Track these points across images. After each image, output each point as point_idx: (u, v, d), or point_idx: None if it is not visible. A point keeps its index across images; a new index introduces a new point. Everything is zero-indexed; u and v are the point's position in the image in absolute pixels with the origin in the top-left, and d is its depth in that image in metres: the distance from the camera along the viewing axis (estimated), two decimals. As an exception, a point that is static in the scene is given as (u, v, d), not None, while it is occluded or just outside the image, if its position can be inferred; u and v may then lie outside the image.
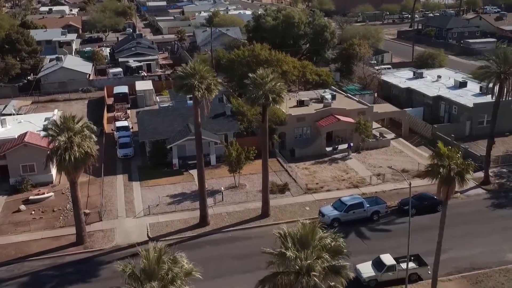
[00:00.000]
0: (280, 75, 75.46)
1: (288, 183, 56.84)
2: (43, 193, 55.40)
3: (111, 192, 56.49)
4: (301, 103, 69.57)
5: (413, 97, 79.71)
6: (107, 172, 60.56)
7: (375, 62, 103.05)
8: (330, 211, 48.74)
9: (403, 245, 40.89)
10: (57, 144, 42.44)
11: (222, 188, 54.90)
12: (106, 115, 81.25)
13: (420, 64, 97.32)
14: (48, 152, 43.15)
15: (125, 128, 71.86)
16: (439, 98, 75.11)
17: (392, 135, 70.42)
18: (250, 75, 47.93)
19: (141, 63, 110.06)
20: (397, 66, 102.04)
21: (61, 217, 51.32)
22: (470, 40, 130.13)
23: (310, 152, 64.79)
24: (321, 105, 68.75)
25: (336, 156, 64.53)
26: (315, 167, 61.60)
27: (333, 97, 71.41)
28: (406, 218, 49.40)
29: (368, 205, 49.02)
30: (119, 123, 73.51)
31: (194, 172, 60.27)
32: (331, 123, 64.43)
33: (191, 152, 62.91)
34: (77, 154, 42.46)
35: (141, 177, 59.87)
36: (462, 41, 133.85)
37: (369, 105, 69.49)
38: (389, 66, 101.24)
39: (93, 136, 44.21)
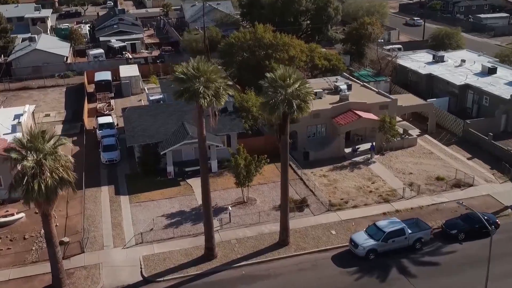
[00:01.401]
0: (287, 61, 66.83)
1: (307, 197, 47.92)
2: (12, 214, 45.82)
3: (94, 210, 47.04)
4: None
5: (434, 85, 70.68)
6: (89, 183, 50.96)
7: (382, 40, 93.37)
8: (364, 240, 39.92)
9: (457, 283, 32.86)
10: (22, 170, 32.84)
11: (230, 208, 45.75)
12: (86, 106, 71.08)
13: (435, 45, 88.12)
14: (12, 180, 33.41)
15: (109, 126, 61.95)
16: (466, 87, 66.21)
17: (417, 131, 61.60)
18: (268, 75, 38.36)
19: (125, 43, 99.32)
20: (408, 46, 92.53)
21: (33, 248, 41.80)
22: (481, 15, 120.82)
23: (327, 154, 55.80)
24: (336, 97, 59.55)
25: (356, 159, 55.66)
26: (334, 174, 52.65)
27: (349, 87, 62.07)
28: (454, 245, 41.37)
29: (410, 231, 40.34)
30: (102, 119, 63.41)
31: (193, 182, 51.14)
32: (351, 121, 55.29)
33: (188, 156, 53.88)
34: (49, 181, 32.96)
35: (130, 189, 50.39)
36: (470, 16, 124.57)
37: (392, 97, 60.35)
38: (400, 46, 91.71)
39: (70, 160, 34.54)
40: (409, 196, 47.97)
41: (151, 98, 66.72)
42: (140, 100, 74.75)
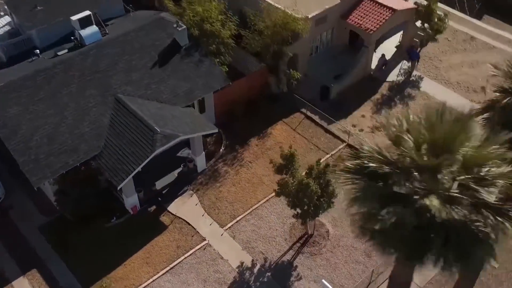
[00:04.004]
0: None
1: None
2: None
3: None
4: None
5: None
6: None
7: None
8: None
9: None
10: None
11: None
12: None
13: None
14: None
15: None
16: None
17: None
18: None
19: None
20: None
21: None
22: None
23: (349, 81, 34.94)
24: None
25: (391, 79, 35.82)
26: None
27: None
28: None
29: None
30: None
31: (180, 208, 27.66)
32: (383, 21, 33.89)
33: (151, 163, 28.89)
34: None
35: (78, 270, 25.46)
36: None
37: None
38: None
39: None
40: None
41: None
42: None
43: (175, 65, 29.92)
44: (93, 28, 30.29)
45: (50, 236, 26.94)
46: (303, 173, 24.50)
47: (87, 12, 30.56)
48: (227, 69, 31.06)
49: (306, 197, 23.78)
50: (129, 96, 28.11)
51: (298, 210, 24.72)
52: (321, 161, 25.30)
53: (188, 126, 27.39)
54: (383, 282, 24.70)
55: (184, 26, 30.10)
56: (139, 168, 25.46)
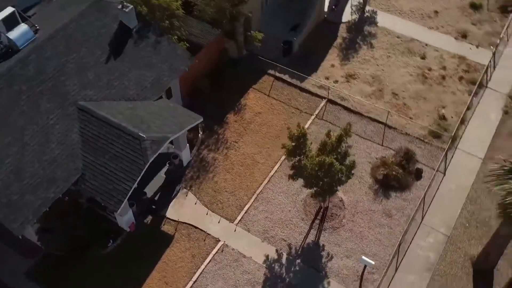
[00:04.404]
0: None
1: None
2: None
3: None
4: None
5: None
6: None
7: None
8: None
9: None
10: None
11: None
12: None
13: None
14: None
15: None
16: None
17: None
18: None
19: None
20: None
21: None
22: None
23: (307, 30, 32.62)
24: None
25: (346, 19, 33.95)
26: (353, 65, 31.23)
27: None
28: None
29: None
30: None
31: (178, 212, 25.00)
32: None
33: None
34: None
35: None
36: None
37: None
38: None
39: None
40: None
41: None
42: None
43: (131, 52, 25.92)
44: (23, 27, 25.02)
45: (41, 279, 23.33)
46: (314, 151, 22.72)
47: (9, 9, 25.08)
48: (187, 44, 27.54)
49: (329, 176, 22.14)
50: (93, 102, 24.07)
51: (315, 189, 23.15)
52: (307, 123, 23.47)
53: (171, 122, 24.20)
54: (411, 241, 24.31)
55: (131, 6, 25.88)
56: (135, 185, 22.25)
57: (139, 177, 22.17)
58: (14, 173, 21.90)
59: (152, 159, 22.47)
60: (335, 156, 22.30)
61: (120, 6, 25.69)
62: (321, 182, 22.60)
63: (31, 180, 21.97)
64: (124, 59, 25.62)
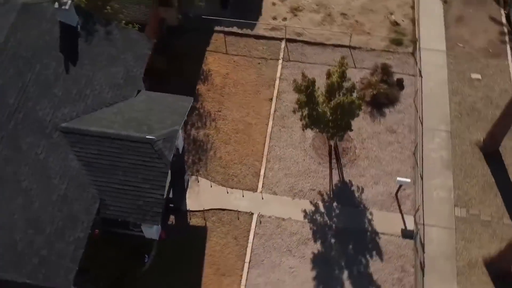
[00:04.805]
0: None
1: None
2: None
3: None
4: None
5: None
6: None
7: None
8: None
9: None
10: None
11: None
12: None
13: None
14: None
15: None
16: None
17: None
18: None
19: None
20: None
21: None
22: None
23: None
24: None
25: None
26: (300, 1, 30.52)
27: None
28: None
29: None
30: None
31: (207, 198, 23.77)
32: None
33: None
34: None
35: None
36: None
37: None
38: None
39: None
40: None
41: None
42: None
43: (87, 53, 22.84)
44: (-46, 62, 20.76)
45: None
46: (321, 93, 22.32)
47: None
48: (136, 26, 24.88)
49: (349, 115, 21.99)
50: (75, 120, 21.19)
51: (331, 131, 22.97)
52: (278, 70, 24.06)
53: (168, 113, 22.19)
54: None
55: (70, 1, 22.49)
56: (165, 192, 20.43)
57: (168, 181, 20.37)
58: (31, 227, 19.00)
59: (171, 158, 20.64)
60: (344, 92, 22.16)
61: (56, 5, 22.26)
62: (338, 123, 22.44)
63: (52, 226, 19.26)
64: (83, 62, 22.57)
